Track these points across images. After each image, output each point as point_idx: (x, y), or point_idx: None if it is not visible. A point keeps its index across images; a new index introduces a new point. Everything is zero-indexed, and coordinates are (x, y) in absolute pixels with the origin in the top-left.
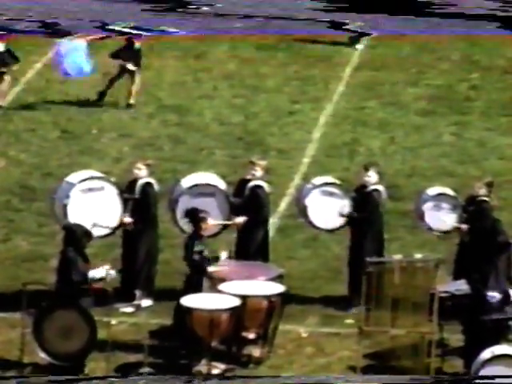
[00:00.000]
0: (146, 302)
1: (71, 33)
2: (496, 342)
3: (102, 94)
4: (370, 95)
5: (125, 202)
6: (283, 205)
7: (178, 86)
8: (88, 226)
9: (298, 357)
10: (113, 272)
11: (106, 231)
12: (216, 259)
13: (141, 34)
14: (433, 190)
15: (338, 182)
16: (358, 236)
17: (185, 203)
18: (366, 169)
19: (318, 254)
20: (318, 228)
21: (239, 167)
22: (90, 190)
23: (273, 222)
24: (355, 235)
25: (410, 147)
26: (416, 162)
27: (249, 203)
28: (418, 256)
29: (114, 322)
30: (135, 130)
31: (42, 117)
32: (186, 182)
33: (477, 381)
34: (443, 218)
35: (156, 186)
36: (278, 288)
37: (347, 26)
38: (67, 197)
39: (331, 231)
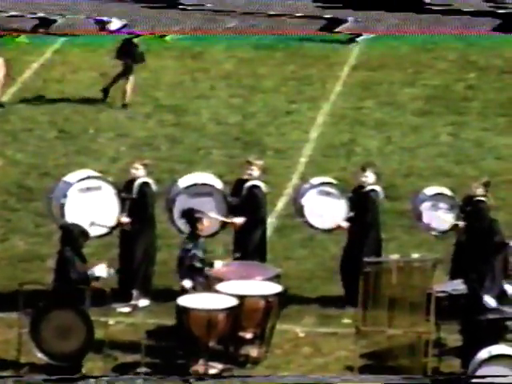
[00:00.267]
0: (143, 302)
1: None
2: (493, 341)
3: (105, 92)
4: (367, 95)
5: (122, 201)
6: (280, 205)
7: (175, 86)
8: (86, 225)
9: (295, 357)
10: (111, 270)
11: (104, 230)
12: (210, 265)
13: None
14: (430, 190)
15: (335, 182)
16: (355, 236)
17: (182, 203)
18: (364, 169)
19: (315, 253)
20: (314, 228)
21: (236, 167)
22: (88, 189)
23: (270, 221)
24: (353, 235)
25: (407, 147)
26: (413, 162)
27: (246, 203)
28: (415, 256)
29: (111, 321)
30: (132, 130)
31: (39, 116)
32: (184, 181)
33: (473, 380)
34: (441, 218)
35: (153, 186)
36: (275, 288)
37: (341, 27)
38: (65, 196)
39: (328, 231)
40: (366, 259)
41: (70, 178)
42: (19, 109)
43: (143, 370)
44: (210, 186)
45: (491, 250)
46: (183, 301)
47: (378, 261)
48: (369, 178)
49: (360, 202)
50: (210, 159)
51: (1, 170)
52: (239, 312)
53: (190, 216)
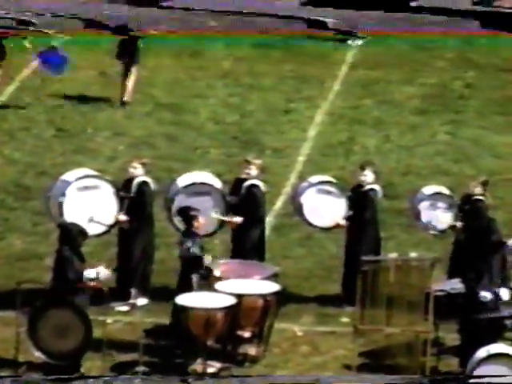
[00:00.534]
0: (142, 301)
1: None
2: (492, 340)
3: (122, 100)
4: (365, 94)
5: (121, 200)
6: (279, 204)
7: (174, 85)
8: (84, 223)
9: (293, 355)
10: (107, 271)
11: (103, 229)
12: (208, 270)
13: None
14: (428, 189)
15: (334, 180)
16: (354, 235)
17: (181, 202)
18: (363, 168)
19: (313, 252)
20: (313, 226)
21: (234, 166)
22: (86, 188)
23: (268, 220)
24: (351, 234)
25: (405, 146)
26: (411, 161)
27: (245, 202)
28: (414, 255)
29: (109, 320)
30: (130, 129)
31: (37, 115)
32: (182, 180)
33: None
34: (439, 217)
35: (152, 185)
36: (273, 287)
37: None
38: (63, 195)
39: (327, 229)
40: (364, 258)
41: (68, 176)
42: (17, 108)
43: (141, 369)
44: (209, 185)
45: (489, 248)
46: (181, 300)
47: (376, 259)
48: (368, 176)
49: (359, 200)
50: (208, 158)
51: None
52: (237, 311)
53: (186, 214)
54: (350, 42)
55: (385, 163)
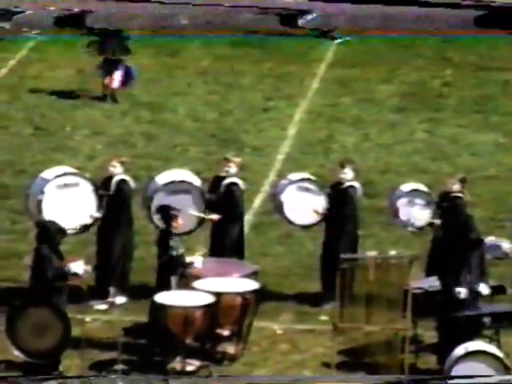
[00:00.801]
0: (120, 299)
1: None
2: (470, 338)
3: (113, 99)
4: (344, 92)
5: (100, 198)
6: (258, 202)
7: (152, 83)
8: (64, 222)
9: (272, 354)
10: (88, 268)
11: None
12: (188, 265)
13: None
14: (406, 187)
15: (313, 178)
16: (332, 232)
17: (160, 200)
18: (342, 166)
19: (292, 250)
20: (293, 224)
21: (213, 164)
22: (65, 185)
23: (247, 218)
24: (330, 232)
25: (384, 144)
26: (390, 159)
27: (224, 200)
28: (392, 252)
29: (87, 319)
30: (109, 127)
31: (15, 113)
32: (161, 179)
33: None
34: (417, 214)
35: (131, 183)
36: (252, 285)
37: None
38: (42, 193)
39: (306, 227)
40: (342, 256)
41: (47, 174)
42: None
43: (120, 367)
44: (188, 183)
45: (467, 246)
46: (160, 298)
47: (355, 257)
48: (347, 174)
49: (338, 198)
50: (186, 156)
51: None
52: (216, 309)
53: (166, 212)
54: (336, 41)
55: (364, 161)
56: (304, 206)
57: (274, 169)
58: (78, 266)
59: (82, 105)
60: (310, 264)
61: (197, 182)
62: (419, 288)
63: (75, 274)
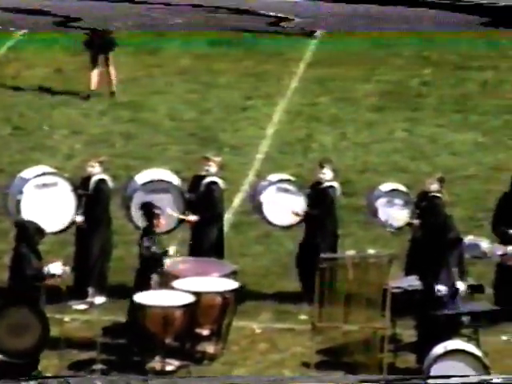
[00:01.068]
0: (99, 299)
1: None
2: (448, 337)
3: (110, 91)
4: (323, 91)
5: (79, 198)
6: (237, 201)
7: (131, 82)
8: (44, 222)
9: (251, 353)
10: (67, 268)
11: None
12: (165, 253)
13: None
14: (385, 186)
15: (293, 178)
16: (312, 232)
17: (139, 200)
18: (321, 166)
19: (271, 250)
20: (272, 225)
21: (193, 163)
22: (44, 185)
23: (226, 218)
24: (310, 232)
25: (362, 143)
26: (368, 158)
27: (203, 199)
28: (371, 252)
29: (66, 319)
30: (87, 127)
31: None
32: (140, 178)
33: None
34: (396, 215)
35: (110, 183)
36: (231, 284)
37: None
38: (20, 192)
39: (286, 228)
40: (322, 255)
41: (25, 174)
42: None
43: (99, 367)
44: (167, 182)
45: (446, 245)
46: (139, 298)
47: (334, 257)
48: (326, 174)
49: (317, 198)
50: (166, 155)
51: None
52: (196, 309)
53: (148, 210)
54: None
55: (342, 160)
56: (283, 206)
57: (253, 168)
58: (56, 267)
59: (60, 104)
60: (288, 263)
61: (176, 181)
62: (398, 287)
63: (53, 275)
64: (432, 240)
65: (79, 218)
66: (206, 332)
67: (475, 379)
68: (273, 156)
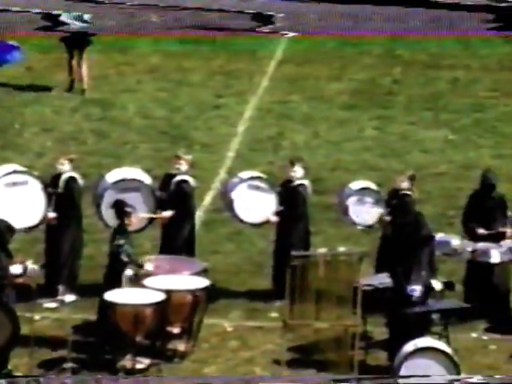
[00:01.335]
0: (70, 297)
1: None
2: (419, 334)
3: (71, 83)
4: (294, 89)
5: (49, 196)
6: (208, 199)
7: (101, 80)
8: (12, 218)
9: (222, 351)
10: (35, 267)
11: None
12: (140, 266)
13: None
14: (356, 185)
15: (264, 176)
16: (284, 230)
17: (110, 198)
18: (292, 164)
19: (242, 248)
20: (243, 222)
21: (164, 161)
22: (14, 184)
23: (198, 216)
24: (281, 230)
25: (334, 141)
26: (339, 156)
27: (174, 198)
28: (342, 249)
29: (37, 317)
30: (58, 124)
31: None
32: (111, 176)
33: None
34: (367, 213)
35: (80, 181)
36: (202, 282)
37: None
38: None
39: (257, 225)
40: (293, 253)
41: None
42: None
43: (70, 365)
44: (138, 180)
45: (417, 243)
46: (110, 296)
47: (305, 254)
48: (297, 172)
49: (289, 196)
50: (137, 153)
51: None
52: (166, 307)
53: (120, 208)
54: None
55: (313, 158)
56: (254, 204)
57: (224, 166)
58: (16, 268)
59: (31, 102)
60: (259, 261)
61: (147, 179)
62: (369, 285)
63: (23, 274)
64: (403, 238)
65: (51, 214)
66: (176, 330)
67: (446, 379)
68: (244, 154)
